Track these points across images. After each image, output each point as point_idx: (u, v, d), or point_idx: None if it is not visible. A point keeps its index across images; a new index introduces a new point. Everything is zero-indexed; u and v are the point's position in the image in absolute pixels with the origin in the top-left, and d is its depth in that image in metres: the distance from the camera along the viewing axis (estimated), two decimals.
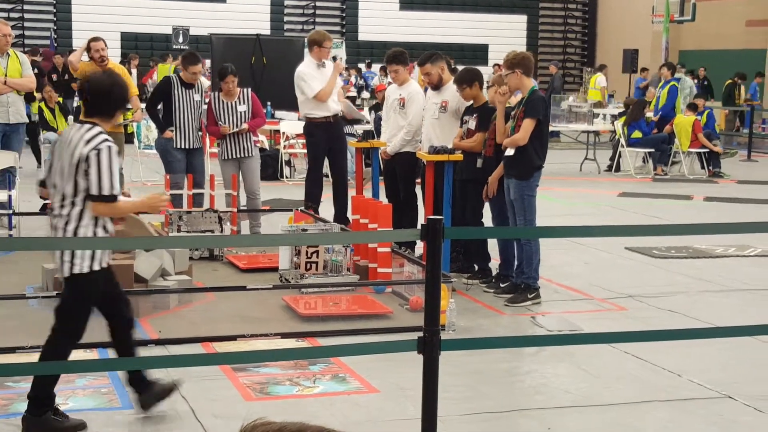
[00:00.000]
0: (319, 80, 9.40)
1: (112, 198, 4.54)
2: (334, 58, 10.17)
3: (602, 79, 22.92)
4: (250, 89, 9.57)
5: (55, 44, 24.56)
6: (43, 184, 4.81)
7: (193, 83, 9.39)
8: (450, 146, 7.84)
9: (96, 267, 4.61)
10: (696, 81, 23.57)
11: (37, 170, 14.26)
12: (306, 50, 10.32)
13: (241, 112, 9.29)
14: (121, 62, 16.88)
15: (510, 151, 7.21)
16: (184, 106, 9.31)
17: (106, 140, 4.56)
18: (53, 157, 4.68)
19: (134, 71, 21.18)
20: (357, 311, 6.82)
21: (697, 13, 23.60)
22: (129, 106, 10.49)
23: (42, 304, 6.78)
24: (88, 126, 4.62)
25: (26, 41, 25.04)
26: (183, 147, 9.33)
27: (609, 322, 6.82)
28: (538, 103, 7.16)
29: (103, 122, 4.69)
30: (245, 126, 9.23)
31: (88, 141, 4.52)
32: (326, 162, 9.95)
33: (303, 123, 9.95)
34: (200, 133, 9.60)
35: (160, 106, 9.60)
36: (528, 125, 7.10)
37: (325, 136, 9.53)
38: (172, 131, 9.30)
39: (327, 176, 10.19)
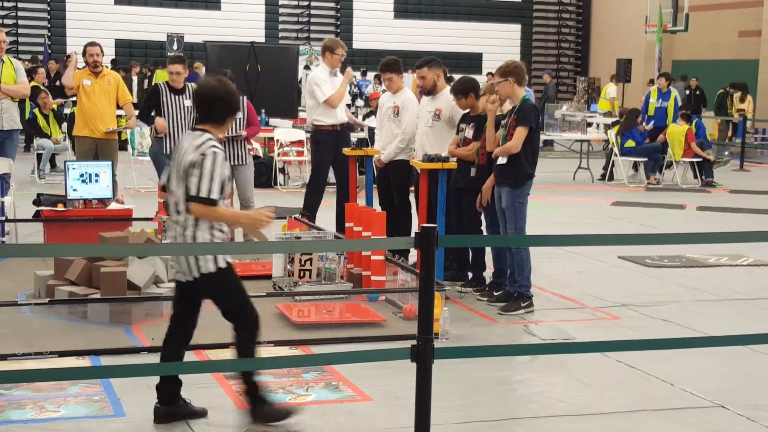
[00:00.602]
0: (331, 87, 9.44)
1: (210, 201, 4.64)
2: (344, 65, 10.16)
3: (613, 89, 23.01)
4: (245, 97, 9.59)
5: (49, 51, 24.55)
6: (165, 189, 4.98)
7: (179, 87, 9.42)
8: (444, 154, 7.84)
9: (222, 264, 4.72)
10: (688, 91, 23.64)
11: (30, 176, 14.23)
12: (320, 57, 10.32)
13: (237, 119, 9.31)
14: (113, 69, 16.84)
15: (502, 160, 7.22)
16: (173, 111, 9.35)
17: (214, 146, 4.71)
18: (172, 164, 4.81)
19: (135, 78, 21.21)
20: (350, 319, 6.81)
21: (690, 24, 23.66)
22: (122, 112, 10.56)
23: (34, 312, 6.77)
24: (198, 133, 4.77)
25: (20, 48, 25.02)
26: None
27: (602, 331, 6.83)
28: (530, 112, 7.17)
29: (215, 129, 4.82)
30: (243, 133, 9.27)
31: (197, 147, 4.68)
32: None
33: (300, 131, 9.94)
34: None
35: (153, 112, 9.63)
36: (520, 133, 7.11)
37: (331, 144, 9.58)
38: (162, 137, 9.34)
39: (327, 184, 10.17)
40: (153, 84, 10.03)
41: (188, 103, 9.44)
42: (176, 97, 9.41)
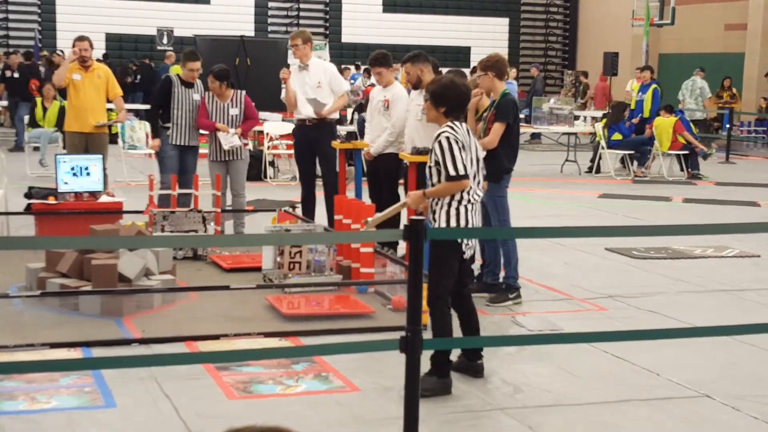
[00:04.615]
0: (295, 83, 9.37)
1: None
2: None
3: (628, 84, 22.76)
4: (244, 92, 9.59)
5: (40, 45, 24.48)
6: (466, 176, 5.45)
7: (192, 82, 9.46)
8: None
9: None
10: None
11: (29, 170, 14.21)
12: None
13: (232, 116, 9.35)
14: (108, 63, 16.84)
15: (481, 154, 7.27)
16: (182, 104, 9.41)
17: None
18: (469, 153, 5.44)
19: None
20: (340, 311, 6.86)
21: (676, 17, 23.77)
22: (112, 106, 10.58)
23: (26, 304, 6.80)
24: (465, 125, 5.52)
25: (10, 42, 24.95)
26: (177, 143, 9.42)
27: (589, 322, 6.90)
28: (508, 107, 7.22)
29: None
30: (239, 130, 9.31)
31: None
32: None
33: (289, 124, 9.93)
34: (197, 133, 9.65)
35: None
36: (497, 129, 7.17)
37: (299, 137, 9.55)
38: (168, 127, 9.42)
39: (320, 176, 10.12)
40: (166, 76, 10.02)
41: (196, 97, 9.48)
42: (187, 90, 9.46)
